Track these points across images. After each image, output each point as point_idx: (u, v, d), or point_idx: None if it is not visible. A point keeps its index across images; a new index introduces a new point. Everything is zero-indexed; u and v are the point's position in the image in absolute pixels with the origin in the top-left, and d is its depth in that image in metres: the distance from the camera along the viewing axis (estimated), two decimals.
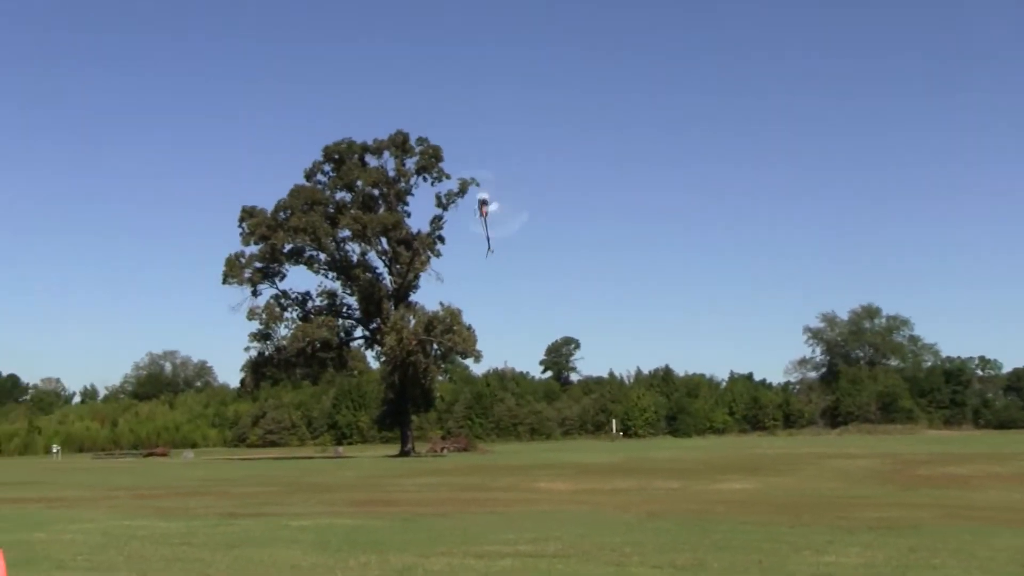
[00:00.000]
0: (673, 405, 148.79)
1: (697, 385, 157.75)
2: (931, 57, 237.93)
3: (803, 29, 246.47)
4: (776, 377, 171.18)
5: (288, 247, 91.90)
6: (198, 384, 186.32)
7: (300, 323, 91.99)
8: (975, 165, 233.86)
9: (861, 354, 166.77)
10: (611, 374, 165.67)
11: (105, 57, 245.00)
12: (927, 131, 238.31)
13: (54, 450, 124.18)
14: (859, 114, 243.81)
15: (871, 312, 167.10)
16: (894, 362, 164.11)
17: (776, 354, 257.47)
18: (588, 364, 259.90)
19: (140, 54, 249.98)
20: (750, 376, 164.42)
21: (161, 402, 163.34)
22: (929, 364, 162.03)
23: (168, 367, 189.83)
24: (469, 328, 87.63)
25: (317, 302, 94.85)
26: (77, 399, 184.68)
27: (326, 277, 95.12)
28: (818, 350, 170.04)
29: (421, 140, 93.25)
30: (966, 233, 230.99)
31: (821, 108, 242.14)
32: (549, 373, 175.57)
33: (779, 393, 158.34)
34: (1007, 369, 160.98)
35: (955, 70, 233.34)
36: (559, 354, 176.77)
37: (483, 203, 58.16)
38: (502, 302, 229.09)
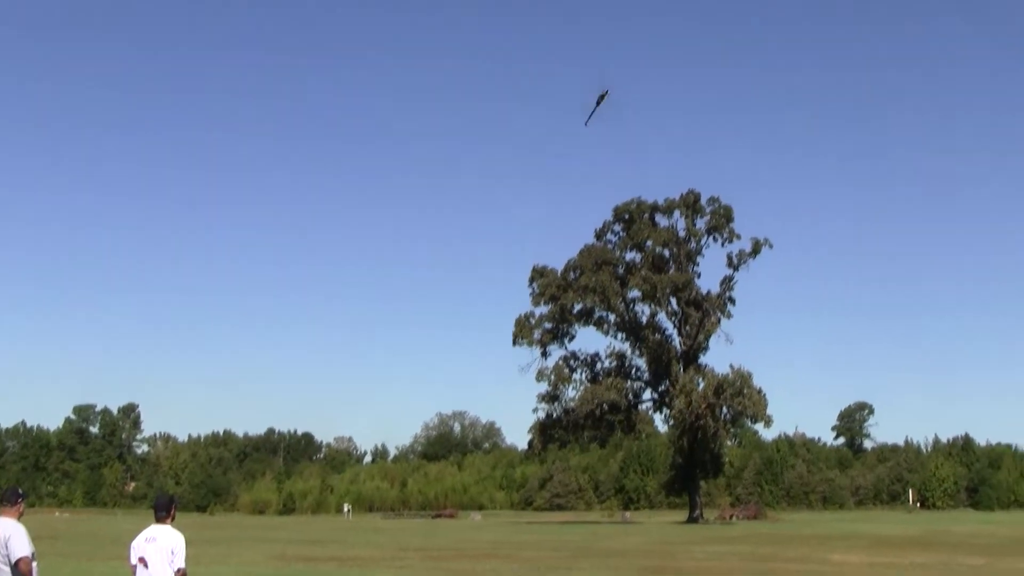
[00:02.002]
0: (974, 476, 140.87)
1: (1000, 455, 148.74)
2: None
3: None
4: None
5: (578, 307, 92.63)
6: (486, 445, 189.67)
7: (589, 385, 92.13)
8: None
9: None
10: (907, 441, 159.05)
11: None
12: None
13: (345, 509, 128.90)
14: None
15: None
16: None
17: None
18: (882, 430, 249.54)
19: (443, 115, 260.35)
20: None
21: (450, 463, 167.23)
22: None
23: (457, 428, 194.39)
24: (760, 391, 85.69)
25: (606, 364, 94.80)
26: (368, 459, 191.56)
27: (615, 338, 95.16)
28: None
29: (712, 200, 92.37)
30: None
31: None
32: (841, 439, 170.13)
33: None
34: None
35: None
36: (852, 419, 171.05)
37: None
38: (794, 365, 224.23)
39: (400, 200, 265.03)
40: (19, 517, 10.44)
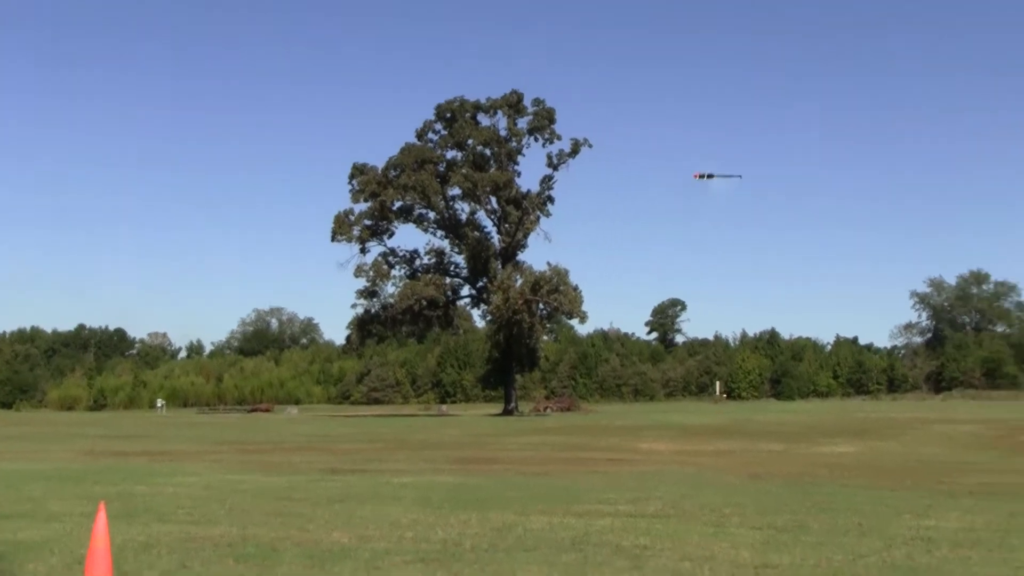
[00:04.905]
0: (778, 368, 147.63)
1: (802, 348, 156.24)
2: None
3: None
4: (882, 341, 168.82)
5: (397, 205, 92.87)
6: (304, 341, 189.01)
7: (407, 281, 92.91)
8: None
9: (967, 320, 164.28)
10: (716, 336, 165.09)
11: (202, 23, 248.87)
12: None
13: (159, 404, 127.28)
14: (962, 87, 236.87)
15: (979, 278, 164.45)
16: (1000, 328, 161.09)
17: (882, 318, 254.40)
18: (694, 326, 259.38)
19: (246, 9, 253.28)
20: (855, 340, 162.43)
21: (267, 358, 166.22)
22: None
23: (274, 324, 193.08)
24: (576, 288, 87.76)
25: (425, 260, 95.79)
26: (183, 354, 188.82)
27: (434, 235, 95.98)
28: (924, 315, 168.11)
29: (537, 101, 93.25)
30: None
31: (925, 85, 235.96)
32: (654, 334, 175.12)
33: (884, 357, 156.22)
34: None
35: None
36: (665, 315, 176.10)
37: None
38: (609, 263, 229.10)
39: (217, 97, 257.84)
40: None
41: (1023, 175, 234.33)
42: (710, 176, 62.39)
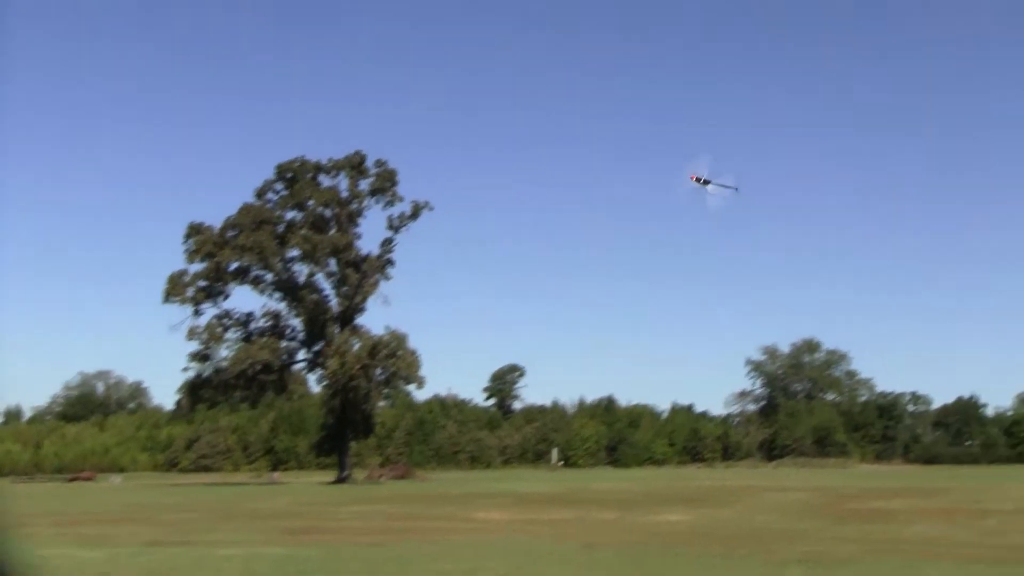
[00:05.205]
0: (615, 435, 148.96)
1: (639, 416, 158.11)
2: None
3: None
4: (717, 409, 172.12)
5: (234, 266, 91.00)
6: (131, 406, 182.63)
7: (242, 344, 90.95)
8: (909, 203, 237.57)
9: (800, 387, 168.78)
10: (554, 403, 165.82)
11: (50, 62, 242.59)
12: (866, 170, 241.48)
13: None
14: (787, 149, 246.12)
15: (811, 346, 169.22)
16: (831, 396, 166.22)
17: (718, 386, 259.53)
18: (533, 392, 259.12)
19: (97, 61, 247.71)
20: (691, 407, 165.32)
21: (91, 424, 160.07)
22: (864, 398, 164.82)
23: (101, 388, 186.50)
24: (414, 353, 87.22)
25: (260, 323, 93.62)
26: (0, 420, 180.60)
27: (271, 298, 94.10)
28: (758, 383, 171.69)
29: (379, 162, 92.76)
30: (902, 270, 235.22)
31: (755, 141, 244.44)
32: (493, 400, 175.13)
33: (719, 425, 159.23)
34: (936, 405, 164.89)
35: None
36: (503, 381, 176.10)
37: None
38: (449, 328, 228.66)
39: (56, 146, 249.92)
40: None
41: (853, 245, 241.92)
42: (706, 182, 62.36)
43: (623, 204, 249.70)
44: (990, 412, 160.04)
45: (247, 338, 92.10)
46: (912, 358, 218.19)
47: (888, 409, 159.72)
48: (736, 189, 63.27)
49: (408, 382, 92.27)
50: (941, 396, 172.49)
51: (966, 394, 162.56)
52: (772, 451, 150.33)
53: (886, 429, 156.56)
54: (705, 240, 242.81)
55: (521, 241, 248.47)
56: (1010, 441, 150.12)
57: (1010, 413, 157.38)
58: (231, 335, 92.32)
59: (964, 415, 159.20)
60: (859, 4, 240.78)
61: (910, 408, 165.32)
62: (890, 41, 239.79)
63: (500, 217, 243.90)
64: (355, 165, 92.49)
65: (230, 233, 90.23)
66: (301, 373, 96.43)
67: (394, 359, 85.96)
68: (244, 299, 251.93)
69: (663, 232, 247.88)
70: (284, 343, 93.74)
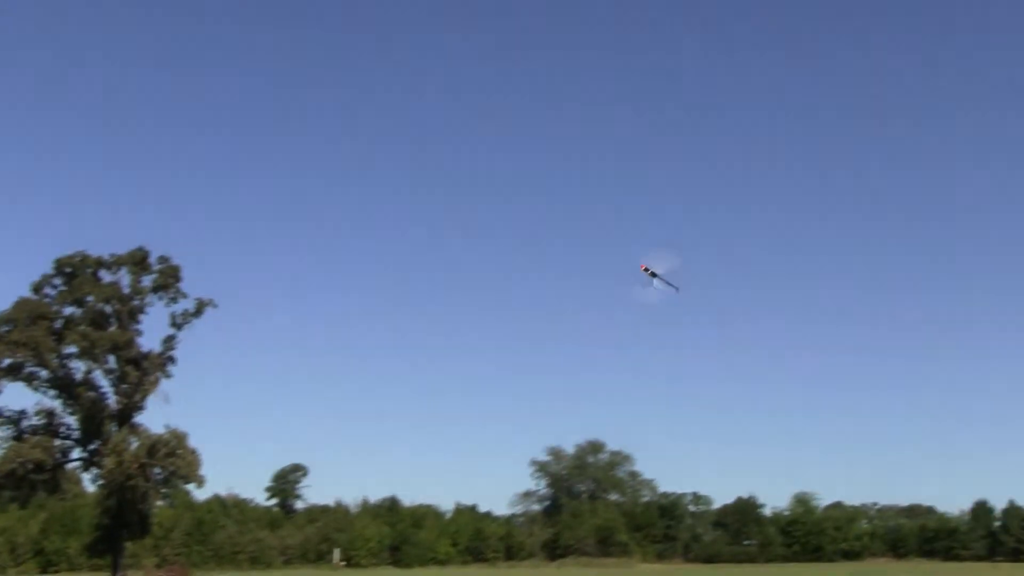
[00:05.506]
0: (398, 535, 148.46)
1: (423, 515, 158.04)
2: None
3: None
4: (500, 509, 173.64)
5: (7, 362, 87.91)
6: None
7: (12, 443, 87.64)
8: (693, 316, 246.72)
9: (584, 488, 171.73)
10: (337, 502, 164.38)
11: None
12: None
13: None
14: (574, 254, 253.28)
15: (596, 447, 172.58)
16: (614, 496, 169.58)
17: (502, 486, 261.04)
18: (316, 492, 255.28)
19: None
20: (475, 507, 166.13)
21: None
22: (646, 499, 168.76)
23: None
24: (194, 452, 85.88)
25: (33, 421, 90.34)
26: None
27: (45, 395, 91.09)
28: (543, 483, 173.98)
29: (162, 258, 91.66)
30: (682, 375, 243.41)
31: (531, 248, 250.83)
32: (275, 500, 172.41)
33: (503, 525, 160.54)
34: (717, 505, 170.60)
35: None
36: (286, 481, 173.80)
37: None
38: (231, 427, 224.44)
39: None
40: None
41: (633, 348, 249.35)
42: (654, 275, 62.95)
43: (403, 301, 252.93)
44: (768, 512, 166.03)
45: (18, 436, 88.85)
46: (693, 460, 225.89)
47: (669, 509, 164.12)
48: (677, 289, 64.79)
49: (187, 481, 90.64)
50: (721, 496, 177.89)
51: (745, 494, 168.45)
52: (555, 551, 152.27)
53: (667, 529, 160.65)
54: (492, 340, 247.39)
55: (305, 339, 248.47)
56: (786, 540, 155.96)
57: (787, 513, 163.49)
58: (1, 433, 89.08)
59: (743, 515, 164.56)
60: None
61: (691, 508, 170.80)
62: None
63: (285, 314, 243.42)
64: (138, 261, 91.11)
65: (3, 328, 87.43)
66: (75, 472, 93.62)
67: (173, 458, 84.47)
68: (16, 396, 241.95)
69: (445, 326, 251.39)
70: (58, 441, 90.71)
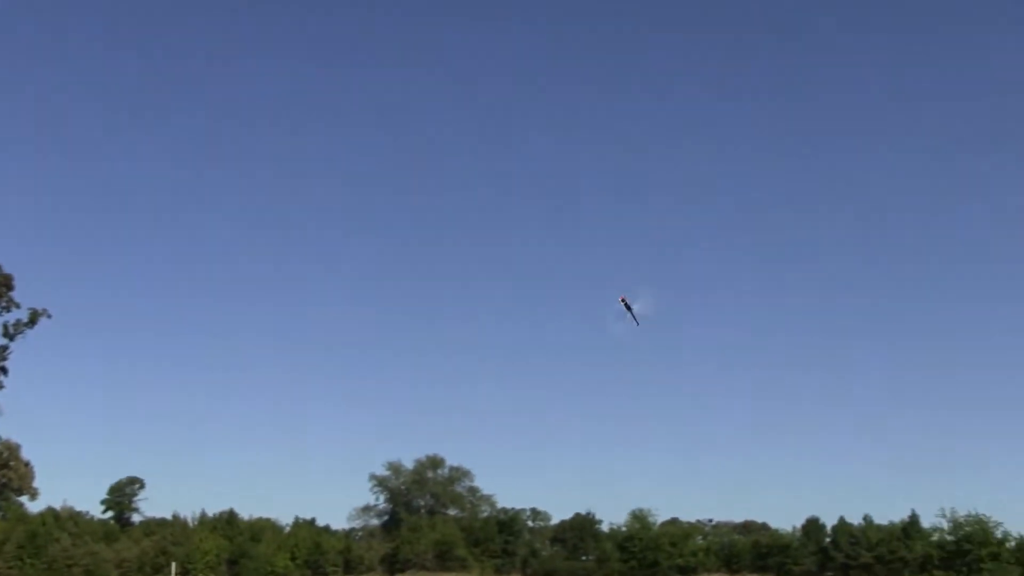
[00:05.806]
0: (236, 549, 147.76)
1: (261, 529, 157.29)
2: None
3: None
4: (339, 523, 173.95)
5: None
6: None
7: None
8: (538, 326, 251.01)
9: (423, 503, 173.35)
10: (175, 515, 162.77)
11: None
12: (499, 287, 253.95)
13: None
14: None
15: (435, 462, 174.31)
16: (453, 511, 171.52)
17: (341, 500, 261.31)
18: (153, 505, 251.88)
19: None
20: (313, 521, 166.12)
21: None
22: (485, 514, 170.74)
23: None
24: (27, 464, 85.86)
25: None
26: None
27: None
28: (382, 498, 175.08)
29: None
30: (521, 389, 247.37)
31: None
32: (111, 513, 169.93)
33: (341, 539, 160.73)
34: (555, 521, 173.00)
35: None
36: (122, 494, 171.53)
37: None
38: (66, 438, 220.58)
39: None
40: None
41: (476, 364, 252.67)
42: (629, 308, 64.35)
43: (237, 312, 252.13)
44: (605, 528, 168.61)
45: None
46: (532, 476, 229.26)
47: (508, 524, 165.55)
48: (638, 324, 66.58)
49: (20, 493, 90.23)
50: (560, 512, 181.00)
51: (583, 511, 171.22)
52: (394, 565, 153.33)
53: (506, 544, 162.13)
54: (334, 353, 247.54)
55: (141, 351, 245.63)
56: (623, 555, 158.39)
57: (624, 529, 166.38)
58: None
59: (581, 531, 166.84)
60: None
61: (529, 523, 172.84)
62: None
63: (121, 325, 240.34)
64: None
65: None
66: None
67: (6, 470, 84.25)
68: None
69: (287, 339, 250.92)
70: None
